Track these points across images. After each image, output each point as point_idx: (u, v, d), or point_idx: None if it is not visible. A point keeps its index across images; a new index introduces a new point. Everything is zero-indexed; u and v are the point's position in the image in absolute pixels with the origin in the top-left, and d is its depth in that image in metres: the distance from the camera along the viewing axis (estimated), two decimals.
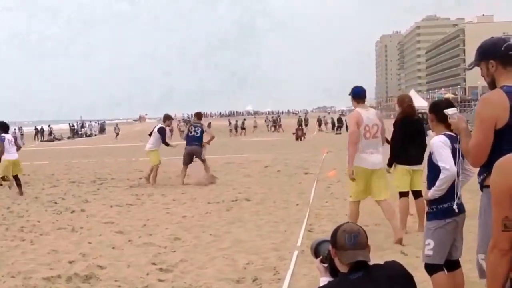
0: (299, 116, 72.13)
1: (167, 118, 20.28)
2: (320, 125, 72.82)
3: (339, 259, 3.79)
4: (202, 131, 18.54)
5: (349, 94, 9.64)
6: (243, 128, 70.12)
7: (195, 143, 18.22)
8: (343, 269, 3.79)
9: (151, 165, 18.53)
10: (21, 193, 16.65)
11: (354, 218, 9.35)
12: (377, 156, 9.37)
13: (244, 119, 77.57)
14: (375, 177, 9.38)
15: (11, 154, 17.13)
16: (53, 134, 75.36)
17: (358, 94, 9.60)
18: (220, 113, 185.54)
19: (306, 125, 62.42)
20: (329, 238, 3.99)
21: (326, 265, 4.06)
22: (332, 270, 3.98)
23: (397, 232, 9.27)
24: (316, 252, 4.21)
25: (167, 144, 18.66)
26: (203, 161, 18.34)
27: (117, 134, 69.39)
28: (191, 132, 18.47)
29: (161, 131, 18.70)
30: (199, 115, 20.00)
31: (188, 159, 18.21)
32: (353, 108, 9.82)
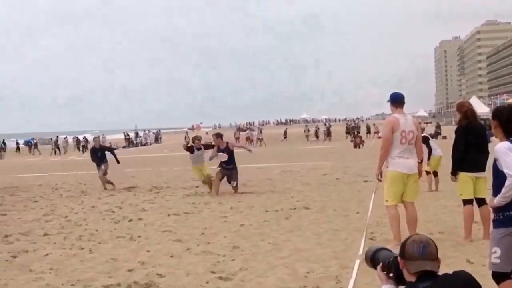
0: (347, 123, 71.50)
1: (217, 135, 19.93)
2: (368, 132, 71.92)
3: (407, 269, 3.78)
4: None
5: (388, 101, 9.78)
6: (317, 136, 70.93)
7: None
8: (410, 279, 3.78)
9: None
10: None
11: (396, 221, 9.62)
12: (413, 161, 9.69)
13: (318, 127, 77.54)
14: (411, 182, 9.68)
15: None
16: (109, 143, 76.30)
17: (396, 100, 9.80)
18: (277, 120, 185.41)
19: (358, 132, 61.54)
20: (384, 246, 3.99)
21: (387, 273, 4.05)
22: (397, 278, 3.96)
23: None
24: (372, 260, 4.19)
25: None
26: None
27: (187, 143, 68.72)
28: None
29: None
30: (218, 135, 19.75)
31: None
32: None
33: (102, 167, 21.53)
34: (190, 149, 19.50)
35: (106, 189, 20.90)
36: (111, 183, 21.16)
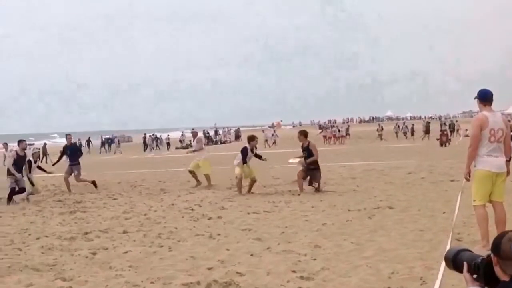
0: (427, 122, 70.23)
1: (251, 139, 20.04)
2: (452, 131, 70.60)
3: (501, 268, 3.66)
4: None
5: (475, 98, 9.59)
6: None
7: None
8: (504, 278, 3.66)
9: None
10: None
11: (484, 222, 9.45)
12: (502, 159, 9.54)
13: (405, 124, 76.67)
14: (500, 181, 9.53)
15: None
16: (185, 141, 77.29)
17: (484, 97, 9.62)
18: (360, 118, 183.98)
19: (444, 131, 60.10)
20: (466, 247, 3.89)
21: (473, 274, 3.95)
22: (486, 280, 3.85)
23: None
24: (454, 261, 4.09)
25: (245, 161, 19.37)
26: None
27: (274, 142, 68.38)
28: None
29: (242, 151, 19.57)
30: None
31: None
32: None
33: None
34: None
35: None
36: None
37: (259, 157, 19.64)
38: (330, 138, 67.77)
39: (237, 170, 19.20)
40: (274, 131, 73.74)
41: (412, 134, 70.07)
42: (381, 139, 68.97)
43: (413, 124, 77.59)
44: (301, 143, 18.81)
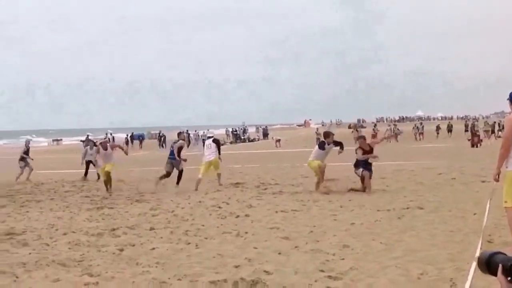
0: (466, 121, 69.74)
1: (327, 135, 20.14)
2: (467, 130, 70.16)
3: None
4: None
5: (508, 99, 9.48)
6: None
7: None
8: None
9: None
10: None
11: None
12: None
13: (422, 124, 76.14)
14: None
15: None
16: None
17: None
18: (390, 118, 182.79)
19: (476, 131, 59.39)
20: (500, 250, 3.87)
21: (509, 278, 3.92)
22: None
23: None
24: (487, 264, 4.07)
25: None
26: None
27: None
28: None
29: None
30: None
31: None
32: None
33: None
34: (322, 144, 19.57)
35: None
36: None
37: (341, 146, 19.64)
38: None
39: (315, 164, 19.13)
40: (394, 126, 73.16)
41: (421, 134, 70.17)
42: (416, 139, 68.73)
43: (421, 125, 77.00)
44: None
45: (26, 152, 28.05)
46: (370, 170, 18.26)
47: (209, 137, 23.58)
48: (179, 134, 22.91)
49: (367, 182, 18.10)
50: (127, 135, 79.01)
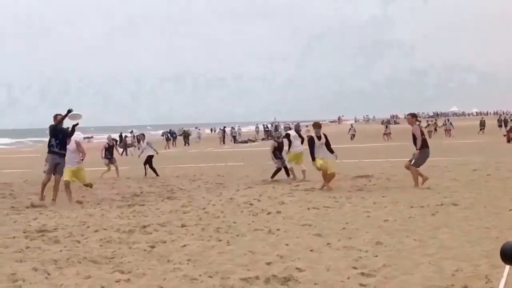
0: (500, 116, 69.00)
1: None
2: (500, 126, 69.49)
3: None
4: None
5: None
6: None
7: None
8: None
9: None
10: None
11: None
12: None
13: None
14: None
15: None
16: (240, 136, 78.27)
17: None
18: (423, 113, 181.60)
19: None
20: None
21: None
22: None
23: None
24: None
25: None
26: None
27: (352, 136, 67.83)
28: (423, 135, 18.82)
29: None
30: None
31: None
32: None
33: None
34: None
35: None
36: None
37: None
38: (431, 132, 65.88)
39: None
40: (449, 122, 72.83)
41: (436, 130, 69.64)
42: (446, 135, 68.02)
43: (435, 122, 76.13)
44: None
45: (110, 148, 28.54)
46: None
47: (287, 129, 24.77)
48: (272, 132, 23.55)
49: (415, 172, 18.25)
50: (165, 132, 79.48)
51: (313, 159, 18.70)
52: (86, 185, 18.81)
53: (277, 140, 22.98)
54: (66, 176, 17.49)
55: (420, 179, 17.87)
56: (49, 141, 17.49)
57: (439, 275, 7.92)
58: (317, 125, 19.51)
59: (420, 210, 13.44)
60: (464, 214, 12.68)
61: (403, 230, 11.13)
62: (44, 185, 17.49)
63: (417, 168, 18.08)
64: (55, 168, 17.15)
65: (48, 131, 17.66)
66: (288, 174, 22.18)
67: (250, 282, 7.97)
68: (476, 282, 7.50)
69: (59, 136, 17.33)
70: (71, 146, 17.63)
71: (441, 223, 11.70)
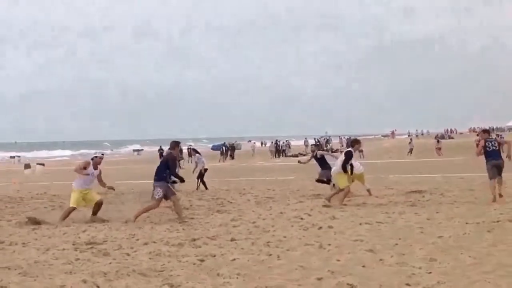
0: None
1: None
2: None
3: None
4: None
5: None
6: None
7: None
8: None
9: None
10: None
11: None
12: None
13: None
14: None
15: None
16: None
17: None
18: (471, 128, 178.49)
19: None
20: None
21: None
22: None
23: None
24: None
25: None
26: None
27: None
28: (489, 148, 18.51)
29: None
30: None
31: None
32: None
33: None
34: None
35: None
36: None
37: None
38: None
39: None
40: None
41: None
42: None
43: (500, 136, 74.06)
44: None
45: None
46: None
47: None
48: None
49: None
50: (220, 145, 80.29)
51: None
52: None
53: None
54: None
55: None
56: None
57: None
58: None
59: (475, 226, 13.21)
60: None
61: (458, 247, 10.94)
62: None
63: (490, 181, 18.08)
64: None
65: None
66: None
67: None
68: None
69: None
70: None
71: (497, 240, 11.47)
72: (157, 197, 15.78)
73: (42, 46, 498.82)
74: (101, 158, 17.38)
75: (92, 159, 16.95)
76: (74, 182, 16.90)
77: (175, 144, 16.84)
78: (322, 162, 22.14)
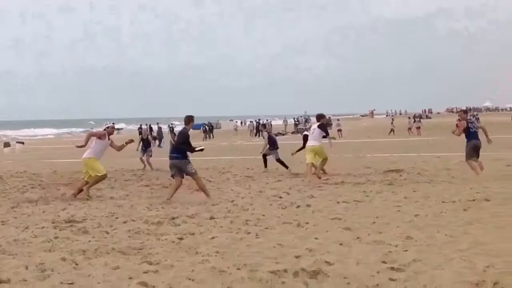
0: None
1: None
2: None
3: None
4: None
5: None
6: None
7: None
8: None
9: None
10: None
11: None
12: None
13: None
14: None
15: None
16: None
17: None
18: (447, 108, 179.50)
19: None
20: None
21: None
22: None
23: None
24: None
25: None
26: None
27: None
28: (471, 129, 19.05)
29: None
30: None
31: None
32: None
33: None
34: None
35: None
36: None
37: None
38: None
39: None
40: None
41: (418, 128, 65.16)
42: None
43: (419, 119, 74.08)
44: None
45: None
46: None
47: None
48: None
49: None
50: (204, 124, 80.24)
51: None
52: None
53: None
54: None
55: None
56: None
57: (470, 271, 7.86)
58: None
59: (451, 205, 13.36)
60: (497, 209, 12.56)
61: (434, 225, 11.07)
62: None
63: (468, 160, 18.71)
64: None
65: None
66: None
67: (278, 275, 7.97)
68: (507, 278, 7.43)
69: None
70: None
71: (473, 219, 11.61)
72: (193, 171, 15.80)
73: None
74: (113, 127, 17.89)
75: (104, 129, 17.13)
76: (89, 153, 16.96)
77: (188, 119, 16.39)
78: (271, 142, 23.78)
